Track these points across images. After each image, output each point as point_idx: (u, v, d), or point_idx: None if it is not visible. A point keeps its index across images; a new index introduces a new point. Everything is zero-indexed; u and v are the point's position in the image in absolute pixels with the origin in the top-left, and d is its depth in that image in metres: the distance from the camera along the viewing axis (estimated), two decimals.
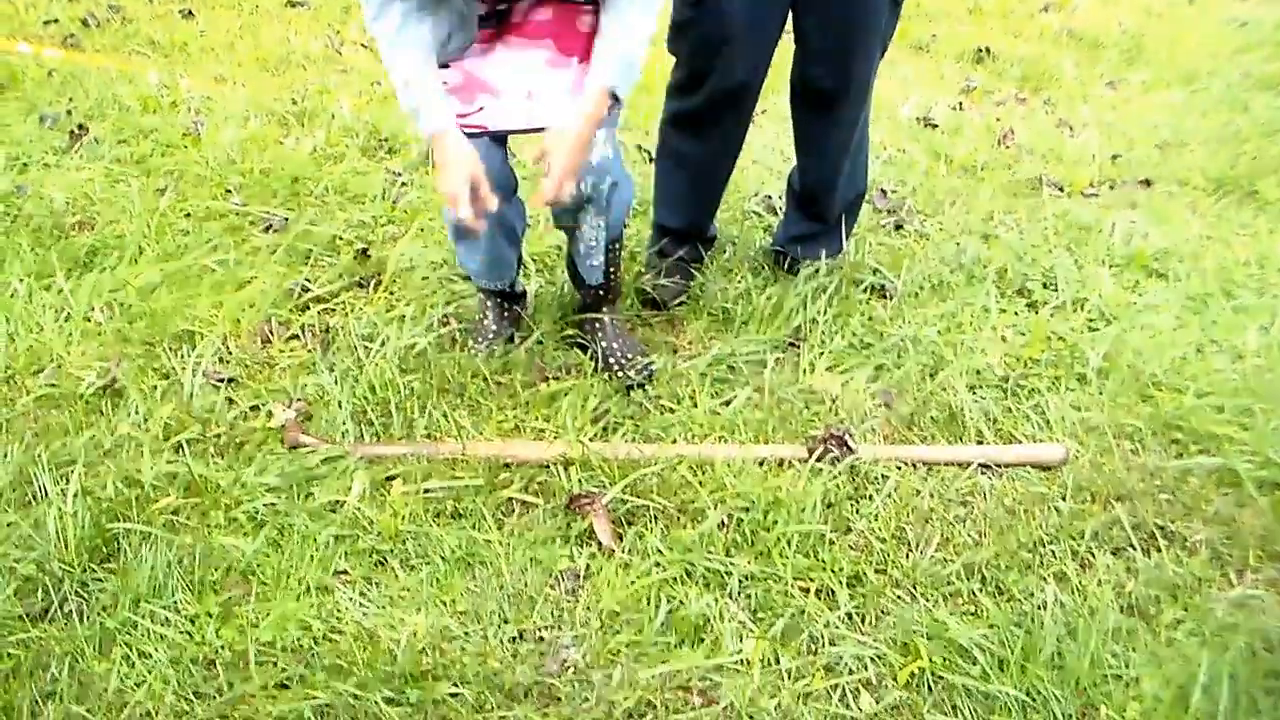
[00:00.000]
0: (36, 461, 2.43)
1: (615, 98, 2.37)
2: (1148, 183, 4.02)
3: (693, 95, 2.90)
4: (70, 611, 2.11)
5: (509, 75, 2.46)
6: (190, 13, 5.25)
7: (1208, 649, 2.08)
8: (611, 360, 2.81)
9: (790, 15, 2.81)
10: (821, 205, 3.18)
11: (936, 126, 4.43)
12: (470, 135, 2.45)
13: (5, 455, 2.46)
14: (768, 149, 3.91)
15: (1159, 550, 2.33)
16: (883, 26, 2.84)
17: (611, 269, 2.81)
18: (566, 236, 2.74)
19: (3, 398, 2.67)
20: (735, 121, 2.96)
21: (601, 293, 2.85)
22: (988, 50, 5.32)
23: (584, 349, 2.89)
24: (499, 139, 2.60)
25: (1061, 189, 3.96)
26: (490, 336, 2.89)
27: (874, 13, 2.78)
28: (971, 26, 5.67)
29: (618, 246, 2.79)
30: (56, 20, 5.02)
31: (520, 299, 3.01)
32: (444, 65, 2.45)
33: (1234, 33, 5.56)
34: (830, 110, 2.96)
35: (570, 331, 2.93)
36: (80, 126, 3.97)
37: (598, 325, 2.86)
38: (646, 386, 2.77)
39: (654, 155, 3.19)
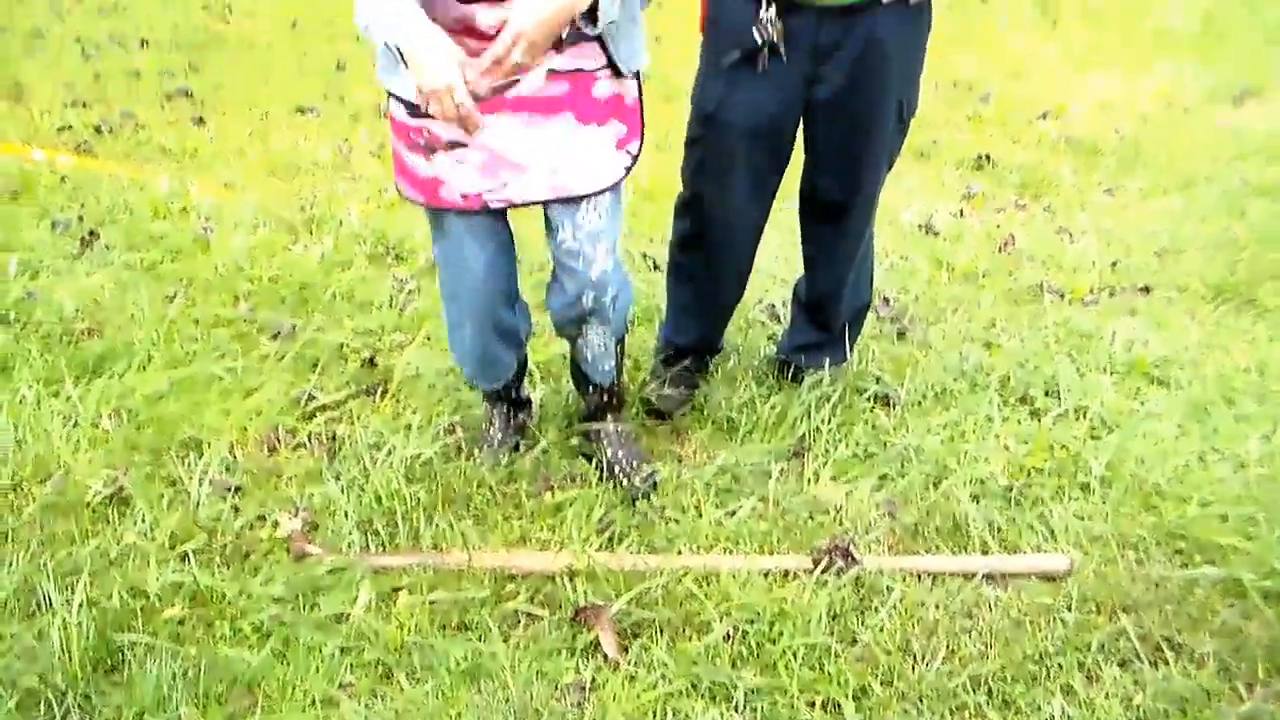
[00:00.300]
0: (41, 571, 2.44)
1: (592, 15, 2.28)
2: (1147, 289, 4.05)
3: (700, 212, 2.96)
4: None
5: (531, 149, 2.43)
6: (201, 119, 5.34)
7: None
8: (616, 469, 2.83)
9: (800, 128, 2.87)
10: (828, 315, 3.22)
11: (938, 233, 4.49)
12: (492, 211, 2.49)
13: (10, 565, 2.48)
14: (772, 256, 3.96)
15: (1166, 663, 2.32)
16: (890, 141, 2.90)
17: (618, 374, 2.86)
18: (570, 344, 2.78)
19: (9, 506, 2.69)
20: (746, 239, 3.02)
21: (606, 399, 2.89)
22: (988, 157, 5.39)
23: (589, 458, 2.92)
24: (506, 237, 2.63)
25: (1062, 295, 4.00)
26: (495, 445, 2.92)
27: (882, 128, 2.84)
28: (971, 134, 5.75)
29: (620, 347, 2.83)
30: (70, 127, 5.11)
31: (525, 406, 3.04)
32: (461, 144, 2.42)
33: (1230, 139, 5.63)
34: (838, 221, 3.02)
35: (575, 440, 2.96)
36: (91, 233, 4.04)
37: (602, 434, 2.89)
38: (651, 496, 2.79)
39: (666, 273, 3.25)
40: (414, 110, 2.38)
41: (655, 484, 2.82)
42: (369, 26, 2.30)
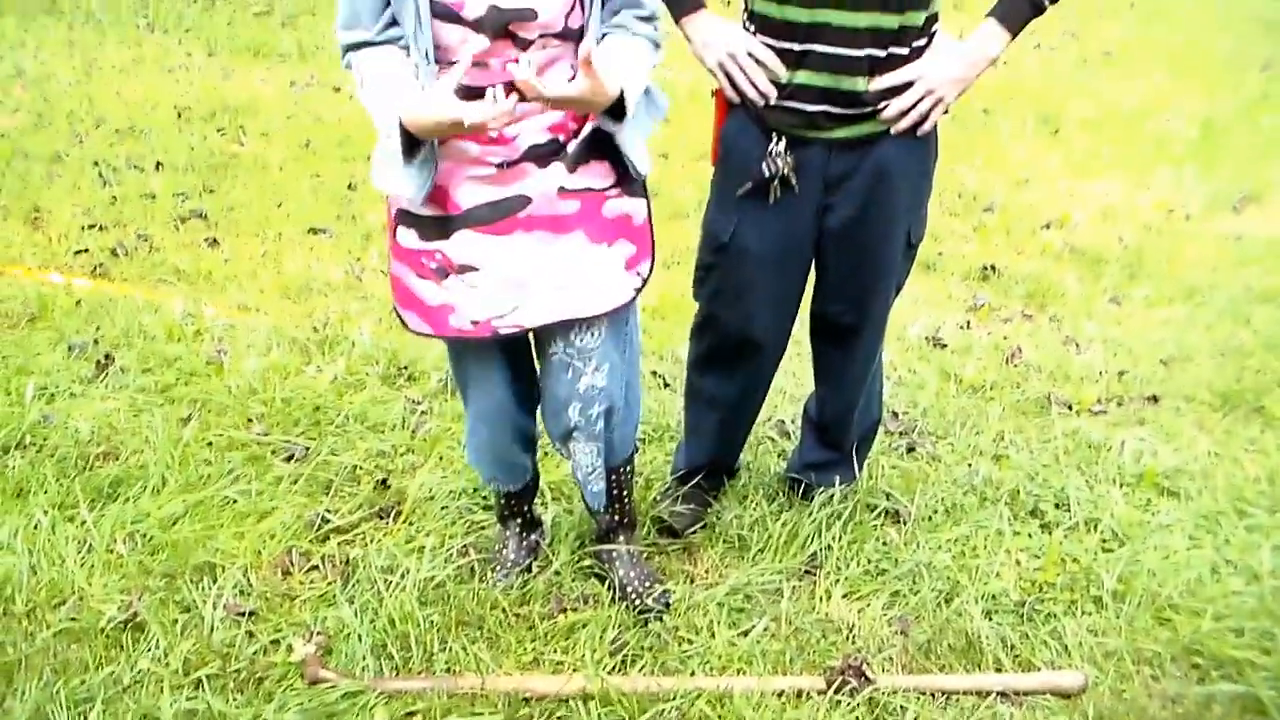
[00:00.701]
0: (54, 699, 2.45)
1: (619, 110, 2.34)
2: (1155, 399, 4.08)
3: (717, 337, 3.01)
4: None
5: (541, 269, 2.46)
6: (215, 241, 5.39)
7: None
8: (628, 589, 2.85)
9: (813, 259, 2.92)
10: (838, 434, 3.25)
11: (945, 346, 4.52)
12: (506, 338, 2.53)
13: (23, 694, 2.48)
14: (782, 372, 3.99)
15: None
16: (899, 268, 2.96)
17: (625, 495, 2.89)
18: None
19: (23, 632, 2.70)
20: (762, 364, 3.06)
21: (615, 519, 2.92)
22: (993, 268, 5.43)
23: (601, 578, 2.94)
24: (521, 345, 2.67)
25: (1070, 407, 4.02)
26: (509, 566, 2.95)
27: (891, 255, 2.89)
28: (976, 244, 5.79)
29: (626, 472, 2.86)
30: (87, 250, 5.17)
31: (537, 527, 3.07)
32: (474, 268, 2.47)
33: (1232, 246, 5.69)
34: (849, 344, 3.06)
35: (588, 561, 2.99)
36: (107, 356, 4.07)
37: (614, 555, 2.92)
38: (664, 617, 2.81)
39: (683, 394, 3.29)
40: (425, 235, 2.44)
41: (668, 604, 2.84)
42: (367, 108, 2.33)
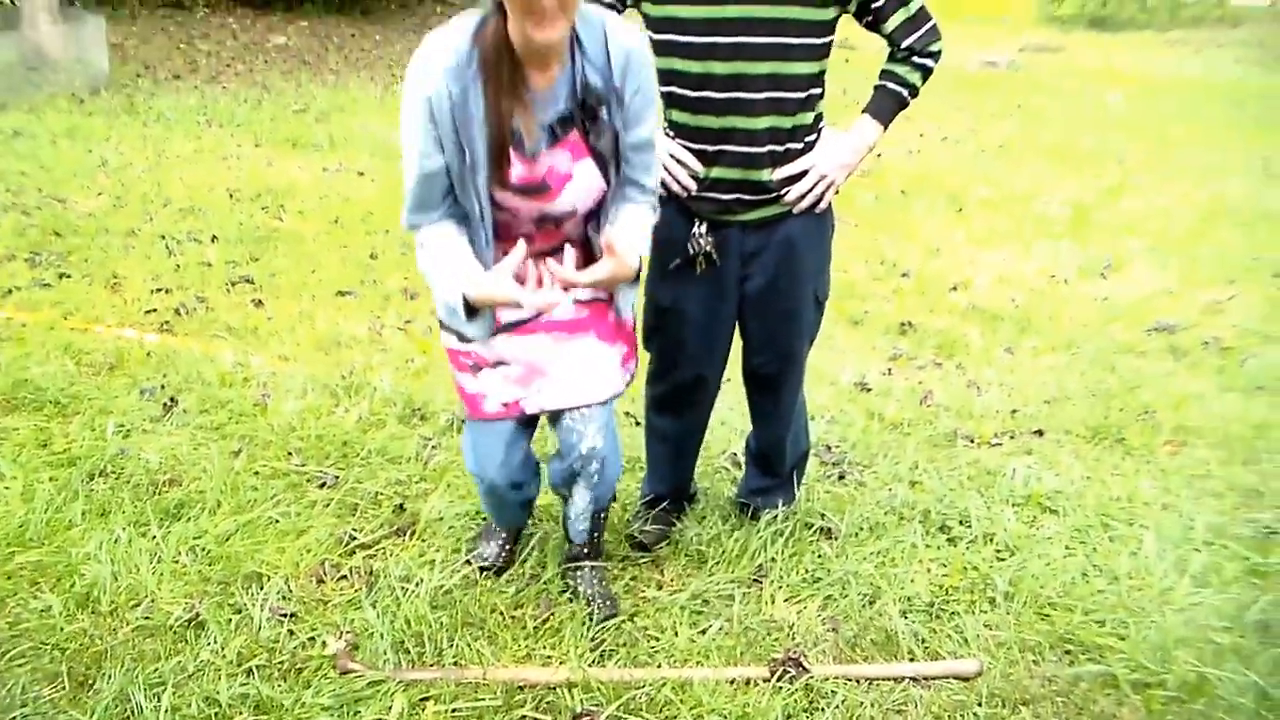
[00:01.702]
0: (134, 682, 2.48)
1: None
2: (1040, 433, 4.13)
3: (664, 383, 3.06)
4: None
5: (559, 361, 2.57)
6: (260, 302, 5.39)
7: None
8: (586, 601, 2.87)
9: (737, 320, 2.99)
10: (775, 463, 3.28)
11: (870, 389, 4.55)
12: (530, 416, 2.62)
13: (109, 676, 2.51)
14: (734, 412, 4.03)
15: None
16: (810, 323, 3.02)
17: (598, 533, 2.92)
18: (562, 502, 2.85)
19: (108, 628, 2.71)
20: (702, 405, 3.11)
21: (585, 550, 2.94)
22: (910, 324, 5.47)
23: (570, 588, 2.96)
24: (528, 421, 2.73)
25: (972, 440, 4.06)
26: (482, 560, 3.02)
27: (802, 313, 2.96)
28: (896, 304, 5.82)
29: (603, 516, 2.92)
30: (155, 310, 5.16)
31: (516, 541, 3.11)
32: (504, 362, 2.57)
33: (1101, 306, 5.74)
34: (773, 389, 3.10)
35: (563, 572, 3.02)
36: (172, 399, 4.07)
37: (579, 571, 2.94)
38: (636, 618, 2.84)
39: (645, 432, 3.33)
40: (462, 337, 2.52)
41: (614, 614, 2.84)
42: (428, 273, 2.41)
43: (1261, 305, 5.69)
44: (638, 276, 2.49)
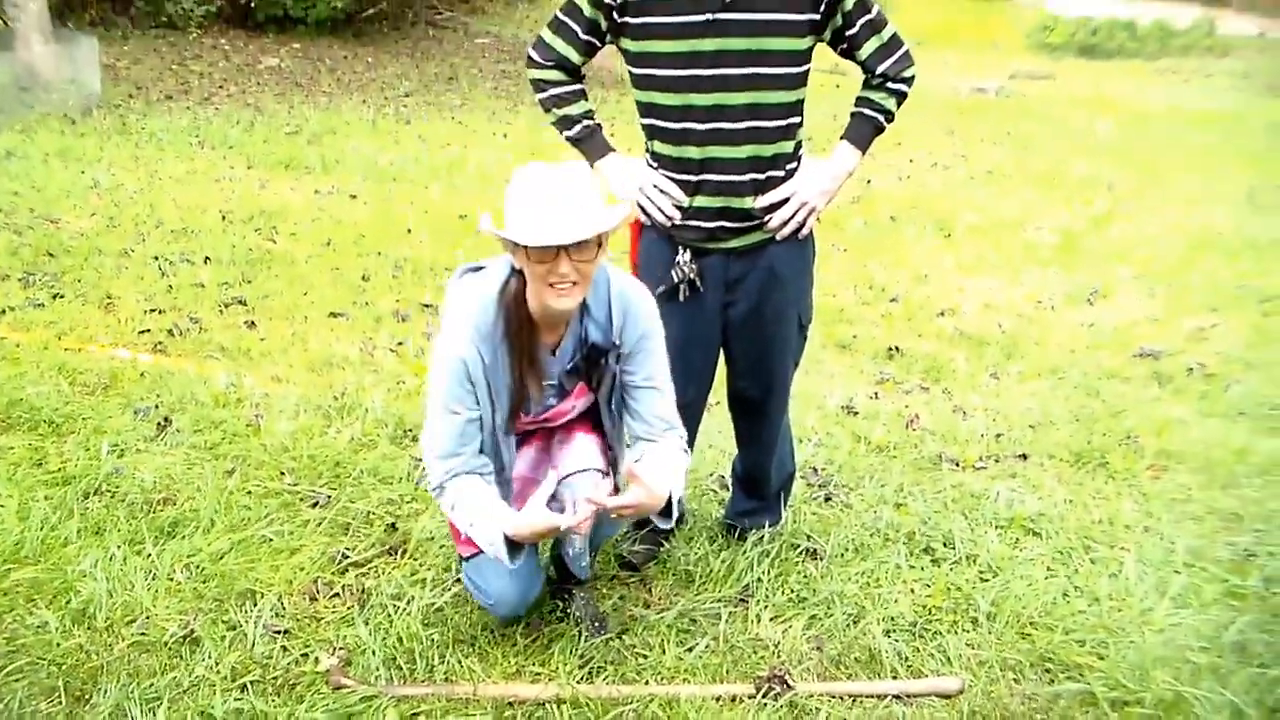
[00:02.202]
0: (130, 697, 2.52)
1: (666, 509, 2.55)
2: (1024, 456, 4.18)
3: None
4: None
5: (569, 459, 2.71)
6: (253, 323, 5.43)
7: None
8: (577, 622, 2.91)
9: (721, 345, 3.05)
10: (760, 485, 3.34)
11: (857, 413, 4.60)
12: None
13: (105, 692, 2.55)
14: (721, 435, 4.08)
15: None
16: (793, 348, 3.08)
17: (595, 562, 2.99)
18: (557, 543, 2.87)
19: (104, 644, 2.76)
20: (688, 427, 3.12)
21: (576, 581, 2.98)
22: (897, 348, 5.51)
23: (561, 605, 2.99)
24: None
25: (957, 463, 4.10)
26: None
27: (786, 338, 3.02)
28: (884, 329, 5.87)
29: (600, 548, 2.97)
30: (149, 330, 5.20)
31: None
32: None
33: (1086, 333, 5.81)
34: (757, 413, 3.17)
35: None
36: (165, 419, 4.11)
37: (570, 595, 2.99)
38: (625, 636, 2.88)
39: None
40: None
41: (604, 634, 2.87)
42: (455, 507, 2.56)
43: (1246, 333, 5.76)
44: (666, 512, 2.58)
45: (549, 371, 2.60)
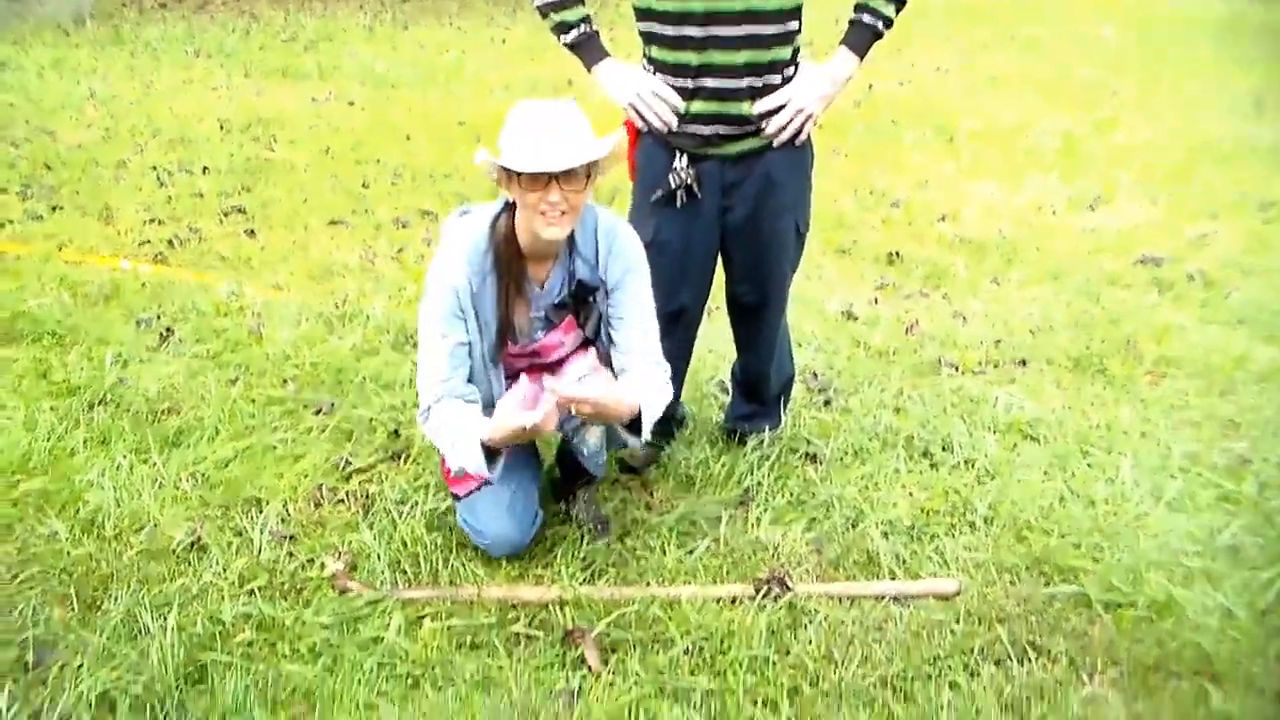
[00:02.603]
0: (140, 603, 2.55)
1: (635, 426, 2.55)
2: (1023, 362, 4.17)
3: None
4: None
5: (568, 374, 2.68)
6: (253, 232, 5.40)
7: None
8: (580, 525, 2.94)
9: (720, 250, 3.02)
10: (759, 390, 3.34)
11: (857, 319, 4.58)
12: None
13: (116, 598, 2.58)
14: (722, 339, 4.06)
15: (1030, 660, 2.46)
16: (791, 254, 3.05)
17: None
18: (567, 441, 2.83)
19: (113, 552, 2.78)
20: (686, 333, 3.13)
21: (584, 481, 2.98)
22: (897, 253, 5.47)
23: (565, 509, 3.02)
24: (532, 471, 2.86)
25: (956, 368, 4.10)
26: None
27: (784, 244, 3.00)
28: (884, 234, 5.83)
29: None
30: (149, 241, 5.17)
31: None
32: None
33: (1088, 238, 5.74)
34: (756, 318, 3.15)
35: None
36: (167, 329, 4.11)
37: (572, 495, 3.01)
38: (626, 539, 2.90)
39: None
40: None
41: (607, 536, 2.90)
42: (439, 437, 2.61)
43: (1246, 240, 5.70)
44: (636, 429, 2.57)
45: (536, 304, 2.66)
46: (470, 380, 2.65)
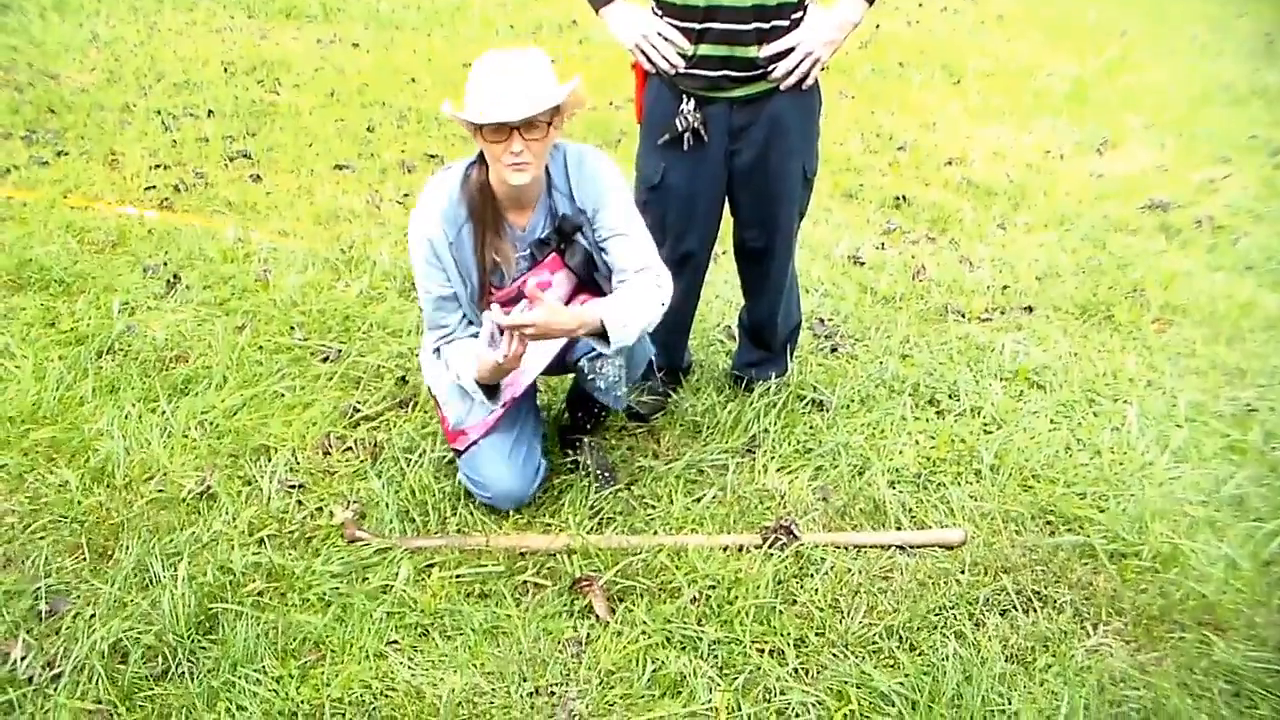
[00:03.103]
0: (151, 553, 2.54)
1: (603, 335, 2.50)
2: (1030, 309, 4.14)
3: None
4: (183, 673, 2.22)
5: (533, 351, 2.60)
6: (258, 177, 5.36)
7: (1069, 686, 2.22)
8: (586, 471, 2.93)
9: (727, 194, 2.99)
10: (766, 336, 3.31)
11: (864, 264, 4.55)
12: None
13: (127, 548, 2.57)
14: (728, 285, 4.05)
15: (1035, 610, 2.46)
16: (798, 198, 3.02)
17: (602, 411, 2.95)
18: (579, 375, 2.80)
19: (123, 501, 2.77)
20: (692, 278, 3.11)
21: (588, 424, 2.98)
22: (904, 198, 5.43)
23: (570, 456, 3.01)
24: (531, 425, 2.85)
25: (963, 315, 4.08)
26: None
27: (791, 188, 2.96)
28: (891, 178, 5.79)
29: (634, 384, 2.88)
30: (154, 186, 5.12)
31: None
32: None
33: (1095, 183, 5.69)
34: (764, 264, 3.12)
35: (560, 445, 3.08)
36: (174, 275, 4.08)
37: (579, 444, 3.00)
38: (633, 487, 2.89)
39: None
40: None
41: (614, 484, 2.90)
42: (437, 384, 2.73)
43: (1255, 184, 5.65)
44: (606, 338, 2.53)
45: (521, 244, 2.66)
46: (470, 323, 2.70)
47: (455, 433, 2.77)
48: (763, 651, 2.33)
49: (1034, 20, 10.36)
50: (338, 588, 2.47)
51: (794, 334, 3.43)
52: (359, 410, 3.23)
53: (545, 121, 2.44)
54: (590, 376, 2.71)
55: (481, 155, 2.56)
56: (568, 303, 2.68)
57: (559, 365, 2.76)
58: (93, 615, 2.35)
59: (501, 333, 2.43)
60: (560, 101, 2.43)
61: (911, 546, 2.68)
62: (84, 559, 2.56)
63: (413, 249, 2.64)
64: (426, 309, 2.68)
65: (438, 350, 2.73)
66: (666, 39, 2.74)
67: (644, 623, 2.38)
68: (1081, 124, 6.81)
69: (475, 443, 2.73)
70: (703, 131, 2.82)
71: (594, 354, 2.66)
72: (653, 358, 2.88)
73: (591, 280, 2.68)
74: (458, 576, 2.53)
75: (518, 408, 2.77)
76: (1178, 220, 5.11)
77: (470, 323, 2.69)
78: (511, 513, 2.77)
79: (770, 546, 2.63)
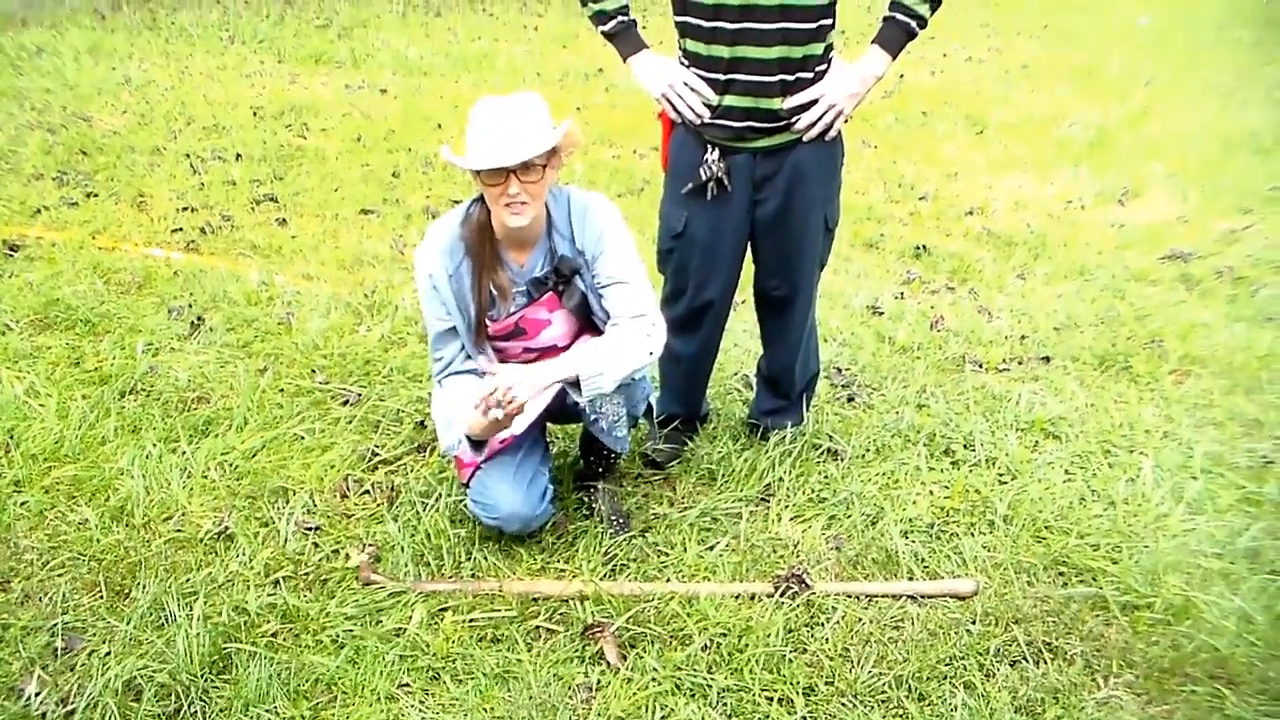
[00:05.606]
0: (168, 592, 2.58)
1: (576, 385, 2.57)
2: (1047, 359, 4.15)
3: (677, 306, 3.10)
4: (195, 712, 2.25)
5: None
6: (284, 220, 5.44)
7: None
8: (600, 517, 2.96)
9: (750, 243, 3.04)
10: (784, 385, 3.34)
11: (882, 313, 4.57)
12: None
13: (144, 586, 2.62)
14: (746, 334, 4.08)
15: (1046, 662, 2.46)
16: (820, 248, 3.06)
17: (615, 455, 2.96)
18: (584, 419, 2.82)
19: (141, 540, 2.82)
20: (713, 327, 3.15)
21: (600, 469, 3.01)
22: (924, 247, 5.45)
23: (585, 503, 3.04)
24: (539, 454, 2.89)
25: (980, 365, 4.08)
26: None
27: (812, 238, 3.01)
28: (912, 227, 5.81)
29: (633, 424, 2.91)
30: (181, 229, 5.22)
31: None
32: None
33: (1116, 233, 5.70)
34: (784, 313, 3.16)
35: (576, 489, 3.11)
36: (199, 317, 4.15)
37: (594, 489, 3.03)
38: (647, 534, 2.92)
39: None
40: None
41: (627, 531, 2.93)
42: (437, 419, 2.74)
43: (1277, 235, 5.64)
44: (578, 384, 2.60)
45: (519, 281, 2.74)
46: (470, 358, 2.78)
47: (459, 459, 2.81)
48: (772, 700, 2.34)
49: (1059, 69, 10.41)
50: (351, 630, 2.50)
51: (811, 383, 3.45)
52: (377, 454, 3.27)
53: (541, 164, 2.53)
54: (593, 417, 2.73)
55: (480, 196, 2.65)
56: (571, 342, 2.77)
57: (561, 412, 2.80)
58: (108, 653, 2.39)
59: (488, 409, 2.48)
60: (555, 144, 2.52)
61: (923, 596, 2.69)
62: (101, 596, 2.60)
63: (417, 284, 2.74)
64: (433, 341, 2.77)
65: (439, 383, 2.80)
66: (693, 89, 2.81)
67: (654, 670, 2.39)
68: (1104, 174, 6.83)
69: (478, 468, 2.77)
70: (726, 181, 2.87)
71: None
72: (652, 401, 2.93)
73: (590, 323, 2.76)
74: (470, 621, 2.55)
75: (523, 433, 2.79)
76: (1198, 271, 5.11)
77: (468, 356, 2.76)
78: (525, 557, 2.80)
79: (782, 595, 2.64)
